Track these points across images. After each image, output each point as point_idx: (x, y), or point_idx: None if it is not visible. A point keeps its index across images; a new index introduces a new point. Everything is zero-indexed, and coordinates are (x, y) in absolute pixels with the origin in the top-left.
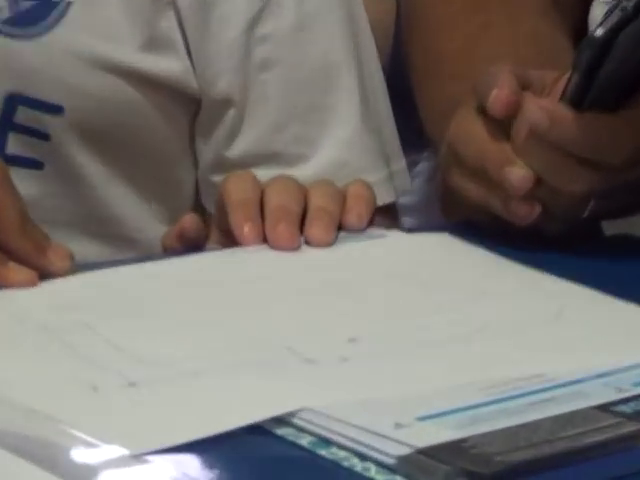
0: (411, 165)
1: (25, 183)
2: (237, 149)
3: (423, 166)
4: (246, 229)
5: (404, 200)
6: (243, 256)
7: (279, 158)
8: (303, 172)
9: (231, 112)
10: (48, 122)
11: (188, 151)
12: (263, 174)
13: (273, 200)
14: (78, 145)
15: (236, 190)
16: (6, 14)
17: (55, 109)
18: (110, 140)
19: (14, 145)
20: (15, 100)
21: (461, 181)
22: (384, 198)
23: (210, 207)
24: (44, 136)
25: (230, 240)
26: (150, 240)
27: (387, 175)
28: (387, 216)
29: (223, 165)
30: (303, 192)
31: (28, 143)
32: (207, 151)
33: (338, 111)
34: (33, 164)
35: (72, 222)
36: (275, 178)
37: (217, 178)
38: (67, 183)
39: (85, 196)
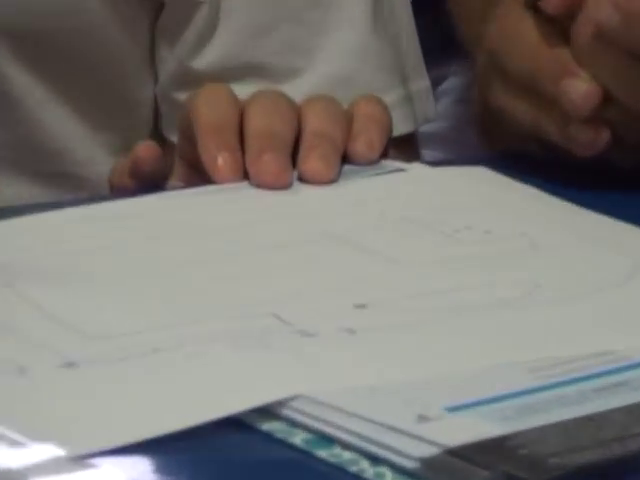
0: (435, 83)
1: None
2: (207, 58)
3: (450, 83)
4: (220, 160)
5: (426, 127)
6: (216, 197)
7: (262, 71)
8: (294, 90)
9: (203, 10)
10: None
11: (147, 63)
12: (241, 91)
13: (256, 122)
14: (7, 57)
15: (208, 110)
16: None
17: None
18: (48, 50)
19: None
20: None
21: (505, 99)
22: (401, 126)
23: (172, 134)
24: None
25: (199, 176)
26: (99, 177)
27: (405, 96)
28: (404, 150)
29: (189, 79)
30: (296, 111)
31: None
32: (170, 60)
33: (341, 10)
34: None
35: (3, 156)
36: (258, 93)
37: (181, 96)
38: (3, 105)
39: (18, 122)
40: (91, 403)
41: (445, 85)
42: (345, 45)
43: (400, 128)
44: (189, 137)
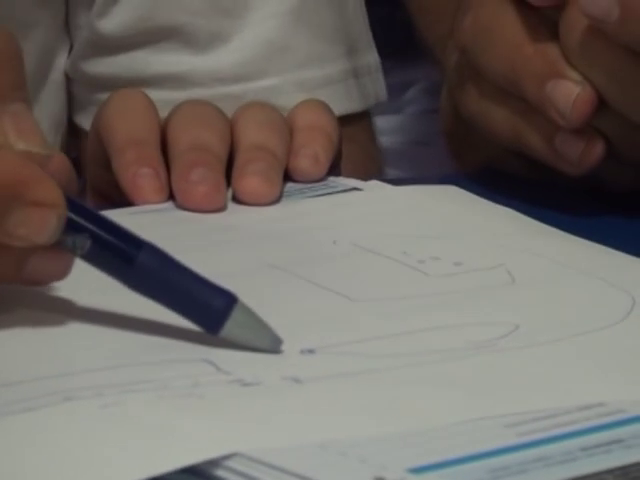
0: (397, 91)
1: None
2: (116, 19)
3: (415, 92)
4: (141, 178)
5: (385, 143)
6: (137, 220)
7: (181, 35)
8: (219, 59)
9: None
10: None
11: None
12: (153, 60)
13: (182, 135)
14: None
15: (122, 122)
16: None
17: None
18: None
19: None
20: None
21: (480, 105)
22: (345, 104)
23: (83, 120)
24: None
25: (114, 203)
26: None
27: (350, 70)
28: (353, 137)
29: (98, 46)
30: (227, 123)
31: None
32: (82, 27)
33: None
34: None
35: None
36: (183, 103)
37: (90, 66)
38: None
39: None
40: None
41: (409, 93)
42: (279, 6)
43: (344, 106)
44: (100, 161)
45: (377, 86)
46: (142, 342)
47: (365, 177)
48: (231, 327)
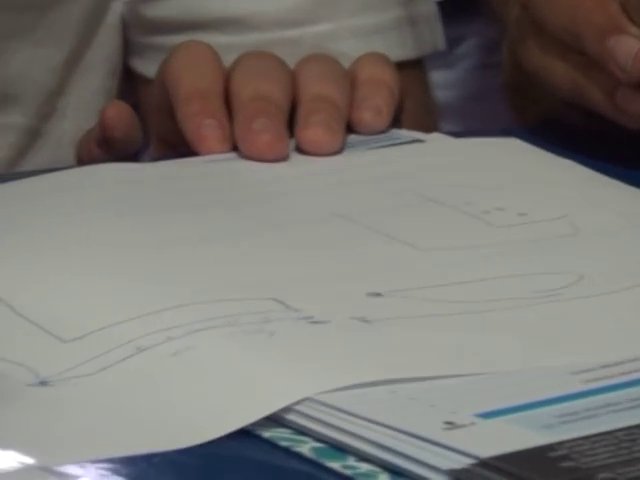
0: (451, 45)
1: None
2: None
3: (469, 46)
4: (206, 129)
5: (440, 97)
6: (201, 169)
7: None
8: (276, 5)
9: None
10: None
11: None
12: (209, 5)
13: (245, 86)
14: None
15: (187, 74)
16: None
17: None
18: None
19: None
20: None
21: (542, 59)
22: (399, 51)
23: (140, 65)
24: None
25: (179, 152)
26: (65, 136)
27: (405, 18)
28: (408, 83)
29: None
30: (290, 74)
31: None
32: None
33: None
34: None
35: None
36: (246, 55)
37: (147, 9)
38: None
39: None
40: (65, 425)
41: (462, 48)
42: None
43: (398, 53)
44: (165, 111)
45: (434, 34)
46: (209, 283)
47: (417, 125)
48: None
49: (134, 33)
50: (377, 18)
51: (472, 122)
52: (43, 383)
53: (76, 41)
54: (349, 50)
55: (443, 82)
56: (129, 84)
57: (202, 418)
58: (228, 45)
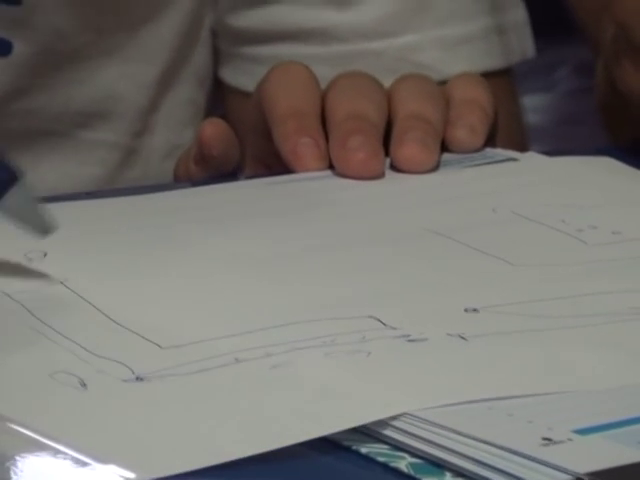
0: (551, 68)
1: None
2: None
3: (568, 68)
4: (301, 147)
5: (531, 121)
6: (297, 188)
7: None
8: (360, 16)
9: None
10: None
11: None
12: (297, 15)
13: (341, 105)
14: (57, 7)
15: (283, 94)
16: None
17: None
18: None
19: None
20: None
21: (637, 79)
22: (485, 60)
23: (228, 76)
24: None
25: (274, 172)
26: (155, 152)
27: (493, 27)
28: (495, 92)
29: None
30: (385, 94)
31: None
32: None
33: None
34: None
35: (50, 126)
36: (341, 74)
37: (234, 19)
38: (45, 66)
39: (67, 84)
40: (163, 422)
41: (561, 72)
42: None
43: (484, 63)
44: (261, 131)
45: (523, 42)
46: (308, 301)
47: (506, 134)
48: (8, 201)
49: (222, 43)
50: (463, 28)
51: (568, 145)
52: (139, 379)
53: (170, 57)
54: (434, 61)
55: (541, 106)
56: (217, 94)
57: (298, 422)
58: (312, 56)
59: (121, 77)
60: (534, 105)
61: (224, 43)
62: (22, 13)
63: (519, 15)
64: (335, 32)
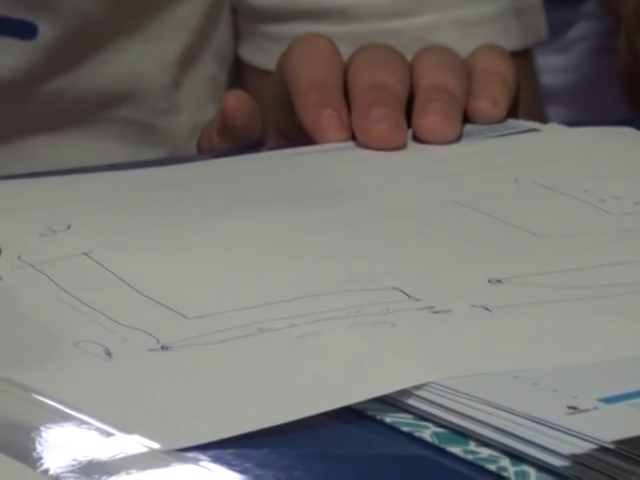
0: (562, 28)
1: (13, 52)
2: None
3: (581, 29)
4: (324, 118)
5: (553, 81)
6: (321, 158)
7: None
8: None
9: None
10: None
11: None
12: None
13: (363, 76)
14: None
15: (306, 66)
16: None
17: None
18: None
19: None
20: None
21: None
22: (503, 42)
23: (248, 53)
24: None
25: (296, 144)
26: (180, 130)
27: (508, 7)
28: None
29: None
30: (407, 65)
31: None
32: None
33: None
34: (22, 27)
35: (74, 106)
36: (363, 47)
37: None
38: (69, 47)
39: (91, 65)
40: (187, 392)
41: (574, 31)
42: None
43: (502, 45)
44: (284, 103)
45: (538, 24)
46: (331, 273)
47: (527, 114)
48: None
49: (241, 21)
50: (480, 9)
51: (588, 106)
52: (164, 348)
53: (192, 36)
54: (451, 42)
55: (558, 66)
56: (237, 71)
57: (322, 392)
58: (331, 35)
59: (144, 57)
60: (551, 65)
61: (243, 21)
62: None
63: None
64: (354, 11)
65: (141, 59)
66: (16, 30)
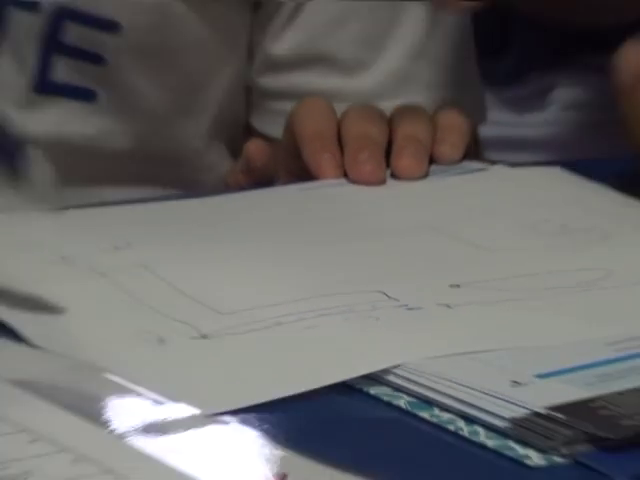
0: (543, 92)
1: (76, 118)
2: (285, 45)
3: (559, 93)
4: (323, 160)
5: (534, 132)
6: (321, 191)
7: (333, 61)
8: (361, 83)
9: (289, 5)
10: (103, 42)
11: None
12: (312, 80)
13: (353, 128)
14: (136, 69)
15: (309, 121)
16: None
17: (110, 26)
18: (168, 62)
19: (62, 71)
20: (63, 15)
21: None
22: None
23: (257, 123)
24: (98, 59)
25: (302, 180)
26: (212, 183)
27: (459, 96)
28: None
29: (269, 65)
30: (386, 119)
31: (79, 68)
32: (259, 52)
33: (405, 11)
34: (85, 94)
35: (130, 166)
36: (352, 106)
37: (264, 81)
38: (125, 116)
39: (146, 132)
40: (221, 370)
41: (553, 94)
42: (408, 41)
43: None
44: (292, 151)
45: (483, 111)
46: (331, 279)
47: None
48: None
49: (254, 98)
50: (438, 95)
51: (559, 154)
52: (204, 337)
53: (218, 110)
54: None
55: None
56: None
57: (324, 370)
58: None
59: (186, 128)
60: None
61: (255, 98)
62: (105, 72)
63: (480, 91)
64: (339, 95)
65: (182, 130)
66: (78, 94)
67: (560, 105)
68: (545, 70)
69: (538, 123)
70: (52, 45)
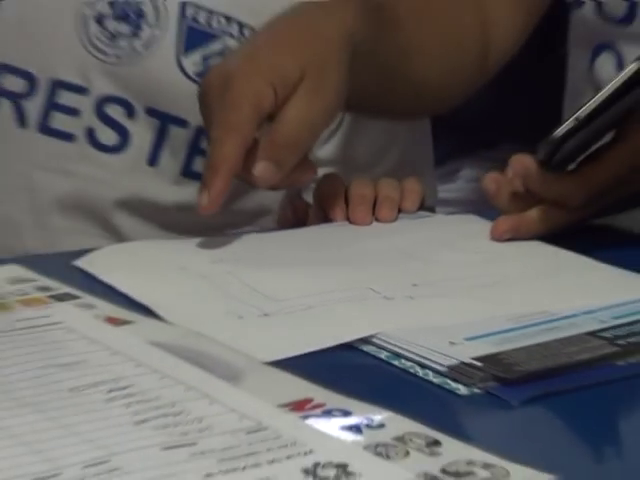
0: (454, 171)
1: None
2: (327, 150)
3: (465, 172)
4: (338, 214)
5: (450, 195)
6: (337, 228)
7: (355, 163)
8: (370, 175)
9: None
10: None
11: None
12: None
13: (354, 191)
14: None
15: (329, 189)
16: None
17: None
18: None
19: (198, 164)
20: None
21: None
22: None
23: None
24: None
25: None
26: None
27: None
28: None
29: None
30: (374, 185)
31: None
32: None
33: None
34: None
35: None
36: (355, 179)
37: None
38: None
39: (245, 199)
40: (277, 334)
41: (461, 173)
42: (398, 152)
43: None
44: (319, 203)
45: (433, 191)
46: (338, 280)
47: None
48: None
49: None
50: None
51: (469, 207)
52: (265, 315)
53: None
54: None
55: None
56: None
57: (332, 333)
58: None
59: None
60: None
61: None
62: None
63: (432, 179)
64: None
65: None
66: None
67: (465, 179)
68: (454, 156)
69: (453, 190)
70: (195, 150)
